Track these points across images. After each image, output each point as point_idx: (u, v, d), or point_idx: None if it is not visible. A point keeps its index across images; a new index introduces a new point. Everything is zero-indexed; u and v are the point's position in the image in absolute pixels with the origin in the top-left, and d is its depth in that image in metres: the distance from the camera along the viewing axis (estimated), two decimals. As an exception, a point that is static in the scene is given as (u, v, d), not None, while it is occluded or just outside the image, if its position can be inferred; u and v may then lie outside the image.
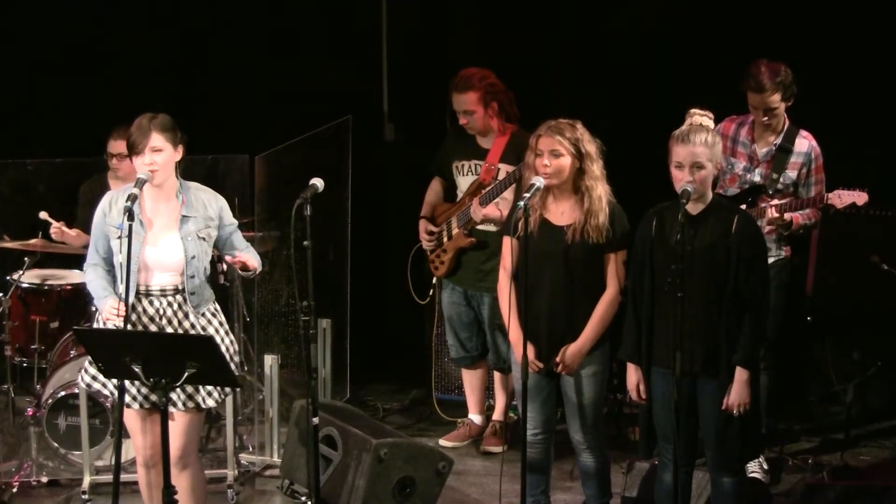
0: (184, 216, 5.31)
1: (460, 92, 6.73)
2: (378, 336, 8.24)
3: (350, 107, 7.55)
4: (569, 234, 5.47)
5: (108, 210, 5.34)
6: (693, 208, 5.20)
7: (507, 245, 5.57)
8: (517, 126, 6.77)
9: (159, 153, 5.23)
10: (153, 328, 5.28)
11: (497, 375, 7.10)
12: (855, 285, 6.48)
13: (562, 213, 5.52)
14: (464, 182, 6.92)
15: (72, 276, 6.99)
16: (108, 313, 5.22)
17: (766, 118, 6.25)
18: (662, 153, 5.27)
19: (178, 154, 5.31)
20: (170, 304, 5.31)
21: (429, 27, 8.18)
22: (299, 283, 5.28)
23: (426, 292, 7.23)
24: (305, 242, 5.15)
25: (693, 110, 5.30)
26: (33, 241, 6.87)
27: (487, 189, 6.71)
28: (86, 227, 6.82)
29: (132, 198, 5.13)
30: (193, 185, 5.41)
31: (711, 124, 5.28)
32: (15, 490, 6.44)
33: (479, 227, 6.80)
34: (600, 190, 5.47)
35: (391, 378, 8.19)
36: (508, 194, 6.67)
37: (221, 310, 5.53)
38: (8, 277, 6.90)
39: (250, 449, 6.89)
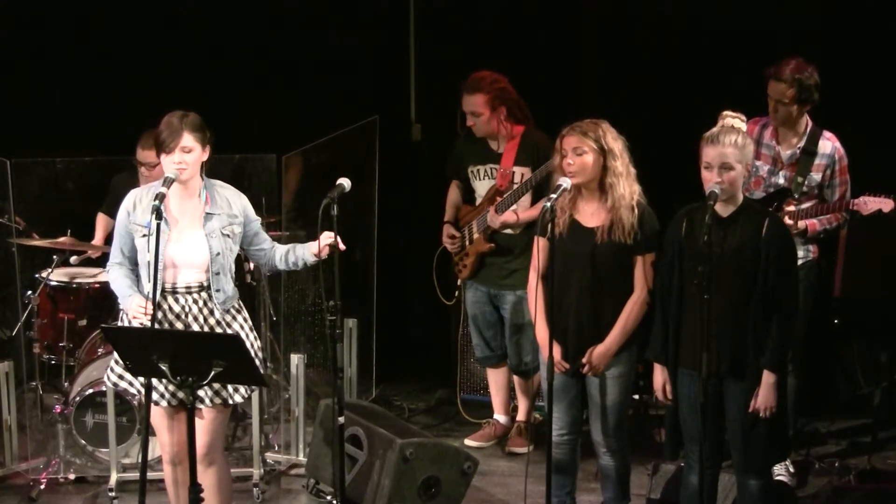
0: (208, 213, 5.33)
1: (469, 93, 6.76)
2: (404, 336, 8.25)
3: (377, 107, 7.57)
4: (598, 235, 5.47)
5: (133, 209, 5.35)
6: (723, 210, 5.19)
7: (537, 245, 5.58)
8: (526, 125, 6.78)
9: (190, 153, 5.25)
10: (179, 325, 5.30)
11: (517, 378, 7.09)
12: (883, 287, 6.45)
13: (591, 214, 5.52)
14: (481, 186, 6.93)
15: (100, 275, 7.02)
16: (136, 311, 5.25)
17: (775, 110, 6.25)
18: (696, 155, 5.26)
19: (206, 154, 5.32)
20: (195, 302, 5.33)
21: (457, 27, 8.18)
22: (326, 283, 5.30)
23: (452, 293, 7.23)
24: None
25: (725, 112, 5.30)
26: (62, 238, 6.90)
27: (504, 197, 6.73)
28: (112, 215, 6.91)
29: (160, 196, 5.15)
30: (217, 182, 5.43)
31: (743, 126, 5.27)
32: (43, 487, 6.47)
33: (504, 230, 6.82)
34: (624, 187, 5.45)
35: (417, 378, 8.19)
36: (525, 199, 6.69)
37: (249, 309, 5.55)
38: (37, 275, 6.94)
39: (276, 448, 6.91)
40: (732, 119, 5.26)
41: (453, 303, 7.27)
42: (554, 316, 5.45)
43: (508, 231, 6.80)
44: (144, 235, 5.28)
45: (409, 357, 8.25)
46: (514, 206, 6.72)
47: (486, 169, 6.89)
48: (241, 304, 5.48)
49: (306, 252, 5.42)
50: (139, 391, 5.41)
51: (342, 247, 5.26)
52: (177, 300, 5.33)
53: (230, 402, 5.38)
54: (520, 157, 6.75)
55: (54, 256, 6.91)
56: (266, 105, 8.17)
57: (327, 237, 5.28)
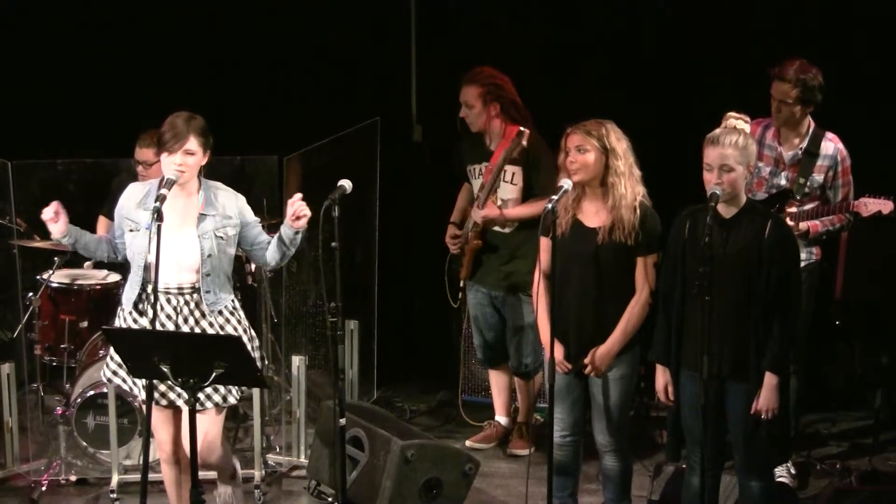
0: (202, 214, 5.33)
1: (465, 84, 6.79)
2: (405, 337, 8.25)
3: (378, 108, 7.57)
4: (599, 235, 5.46)
5: (127, 201, 5.39)
6: (726, 212, 5.18)
7: (543, 245, 5.57)
8: (521, 126, 6.76)
9: (192, 156, 5.26)
10: (170, 325, 5.30)
11: (518, 379, 7.08)
12: (883, 289, 6.45)
13: (594, 214, 5.52)
14: (476, 185, 6.93)
15: (101, 276, 7.03)
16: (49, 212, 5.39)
17: (778, 111, 6.25)
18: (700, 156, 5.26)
19: (206, 159, 5.34)
20: (186, 303, 5.34)
21: (459, 27, 8.18)
22: (327, 284, 5.30)
23: (457, 296, 7.20)
24: (333, 244, 5.17)
25: (729, 114, 5.29)
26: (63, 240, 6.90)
27: (478, 192, 6.73)
28: (112, 218, 6.91)
29: (161, 198, 5.14)
30: (214, 184, 5.43)
31: (747, 128, 5.26)
32: (44, 489, 6.47)
33: (495, 228, 6.80)
34: (625, 187, 5.44)
35: (418, 379, 8.19)
36: (513, 194, 6.68)
37: (250, 310, 5.54)
38: (38, 277, 6.94)
39: (277, 449, 6.91)
40: (736, 120, 5.25)
41: (458, 305, 7.24)
42: (556, 316, 5.45)
43: (497, 229, 6.78)
44: (132, 230, 5.30)
45: (410, 358, 8.25)
46: (498, 202, 6.70)
47: (480, 168, 6.88)
48: (237, 307, 5.47)
49: (284, 229, 5.36)
50: (131, 388, 5.42)
51: (307, 212, 5.26)
52: (168, 301, 5.33)
53: (223, 403, 5.38)
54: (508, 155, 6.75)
55: (55, 258, 6.91)
56: (267, 106, 8.17)
57: (293, 205, 5.26)
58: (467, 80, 6.80)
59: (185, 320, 5.33)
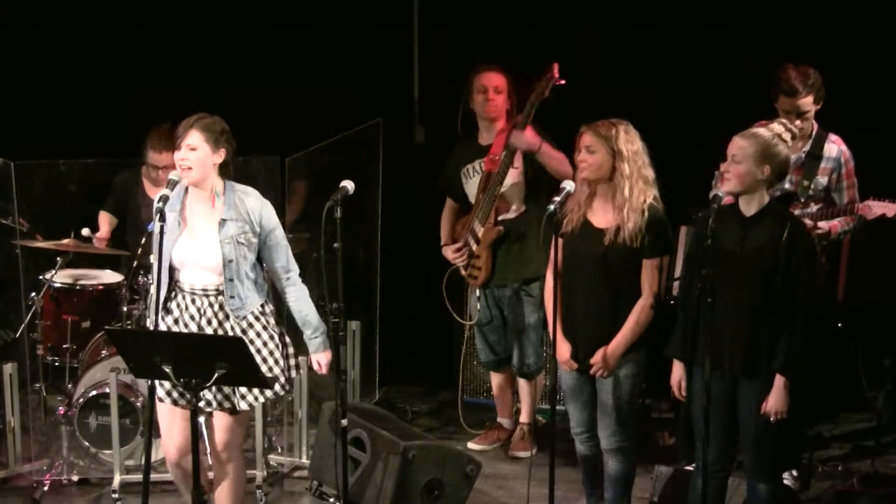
0: (223, 219, 5.27)
1: (492, 70, 6.80)
2: (407, 338, 8.25)
3: (380, 109, 7.57)
4: (607, 236, 5.46)
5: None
6: (746, 209, 5.16)
7: (552, 244, 5.57)
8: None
9: (194, 151, 5.23)
10: (193, 326, 5.27)
11: (520, 381, 7.08)
12: (886, 292, 6.45)
13: (603, 213, 5.51)
14: (472, 186, 6.91)
15: (104, 276, 7.03)
16: None
17: (798, 122, 6.22)
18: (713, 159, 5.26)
19: (219, 156, 5.26)
20: (211, 305, 5.29)
21: (461, 28, 8.17)
22: (329, 286, 5.30)
23: (465, 313, 7.17)
24: (335, 245, 5.18)
25: (779, 118, 5.30)
26: (65, 240, 6.90)
27: (519, 117, 6.68)
28: (115, 214, 6.93)
29: (163, 199, 5.14)
30: (240, 188, 5.35)
31: (781, 133, 5.21)
32: (46, 489, 6.47)
33: (497, 225, 6.80)
34: (631, 190, 5.43)
35: (420, 380, 8.19)
36: (514, 177, 6.70)
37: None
38: (40, 277, 6.93)
39: (279, 450, 6.91)
40: (779, 125, 5.23)
41: (469, 323, 7.17)
42: (564, 315, 5.45)
43: (502, 216, 6.77)
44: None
45: (412, 359, 8.25)
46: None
47: (475, 165, 6.88)
48: (266, 313, 5.38)
49: (309, 344, 5.44)
50: (172, 396, 5.35)
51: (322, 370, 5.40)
52: (193, 301, 5.30)
53: (237, 409, 5.33)
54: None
55: (58, 258, 6.91)
56: (269, 107, 8.16)
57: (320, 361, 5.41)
58: (493, 68, 6.81)
59: (209, 322, 5.29)
